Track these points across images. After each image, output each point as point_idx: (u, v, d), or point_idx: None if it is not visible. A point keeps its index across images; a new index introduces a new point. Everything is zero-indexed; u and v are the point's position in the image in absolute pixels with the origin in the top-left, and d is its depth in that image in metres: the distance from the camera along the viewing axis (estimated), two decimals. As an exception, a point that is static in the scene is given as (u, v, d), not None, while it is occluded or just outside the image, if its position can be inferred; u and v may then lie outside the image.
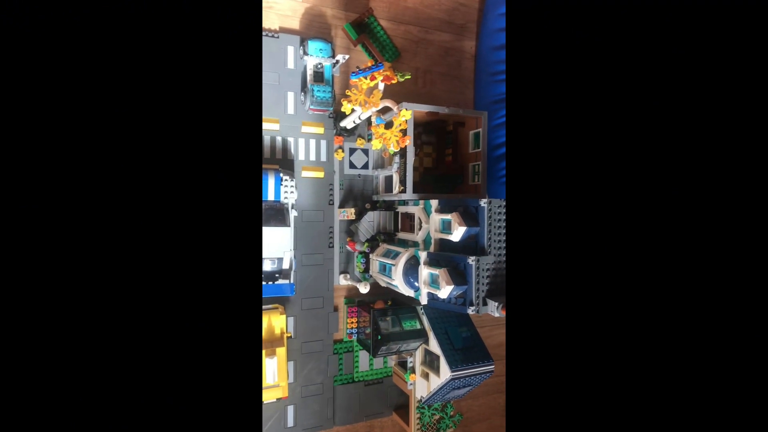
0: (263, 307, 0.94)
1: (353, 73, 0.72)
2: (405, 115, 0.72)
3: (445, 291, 0.74)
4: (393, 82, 0.74)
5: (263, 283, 0.88)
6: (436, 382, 0.89)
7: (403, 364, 1.05)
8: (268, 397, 0.90)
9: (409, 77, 0.77)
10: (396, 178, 0.96)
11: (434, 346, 0.90)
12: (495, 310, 0.72)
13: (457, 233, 0.75)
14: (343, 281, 1.03)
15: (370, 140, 1.04)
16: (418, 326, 0.94)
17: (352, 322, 1.04)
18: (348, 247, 1.03)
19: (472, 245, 0.78)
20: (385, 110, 0.86)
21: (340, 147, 1.03)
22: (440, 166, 1.10)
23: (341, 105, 0.84)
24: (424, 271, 0.81)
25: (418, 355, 0.97)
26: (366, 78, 0.72)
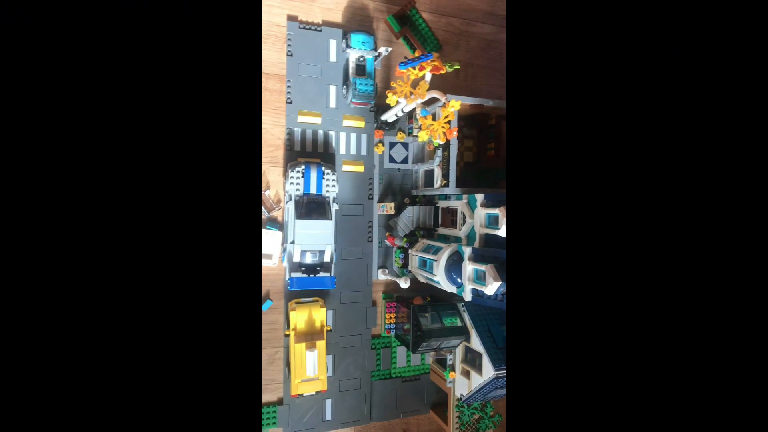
0: (304, 300, 0.94)
1: (401, 63, 0.71)
2: (454, 105, 0.71)
3: (492, 287, 0.72)
4: (442, 72, 0.72)
5: (306, 275, 0.88)
6: (478, 380, 0.87)
7: (441, 362, 1.03)
8: (307, 389, 0.90)
9: (458, 67, 0.76)
10: (438, 172, 0.94)
11: (476, 344, 0.88)
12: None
13: (505, 228, 0.73)
14: (381, 276, 1.02)
15: (410, 134, 1.02)
16: (459, 323, 0.92)
17: (390, 318, 1.03)
18: (387, 242, 1.02)
19: (519, 241, 0.75)
20: (430, 102, 0.84)
21: (381, 141, 1.02)
22: (482, 161, 1.07)
23: (383, 98, 0.83)
24: (469, 267, 0.79)
25: (459, 352, 0.95)
26: (414, 68, 0.70)
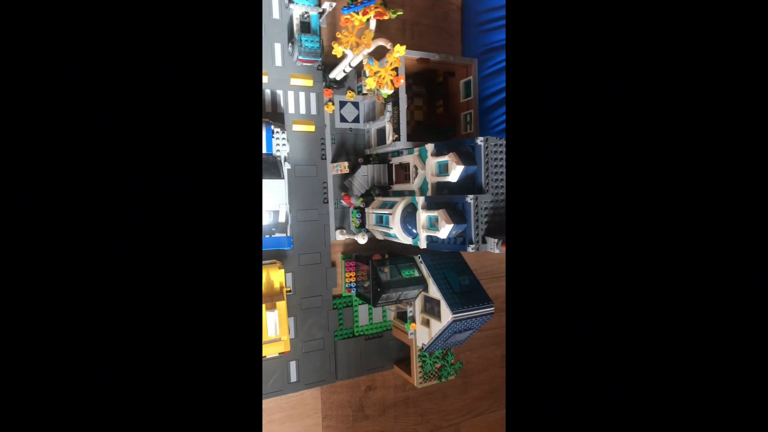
0: (263, 262, 0.93)
1: (344, 8, 0.70)
2: (399, 50, 0.71)
3: (444, 231, 0.74)
4: (385, 17, 0.72)
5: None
6: (438, 326, 0.90)
7: (402, 316, 1.06)
8: (270, 351, 0.90)
9: (401, 13, 0.76)
10: (389, 128, 0.95)
11: (434, 291, 0.91)
12: (495, 246, 0.73)
13: (455, 173, 0.75)
14: (339, 236, 1.03)
15: (360, 92, 1.02)
16: (417, 274, 0.95)
17: (350, 277, 1.04)
18: (343, 202, 1.02)
19: (469, 185, 0.78)
20: (377, 57, 0.84)
21: (330, 100, 1.01)
22: (432, 119, 1.09)
23: (330, 57, 0.82)
24: (423, 215, 0.81)
25: (418, 303, 0.98)
26: (358, 13, 0.70)
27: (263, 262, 0.93)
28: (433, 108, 1.10)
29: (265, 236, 0.88)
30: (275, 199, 0.87)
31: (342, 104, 1.03)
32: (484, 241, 0.75)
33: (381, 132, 1.01)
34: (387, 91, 0.76)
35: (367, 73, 0.76)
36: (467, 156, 0.77)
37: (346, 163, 1.00)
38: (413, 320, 0.99)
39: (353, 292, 1.05)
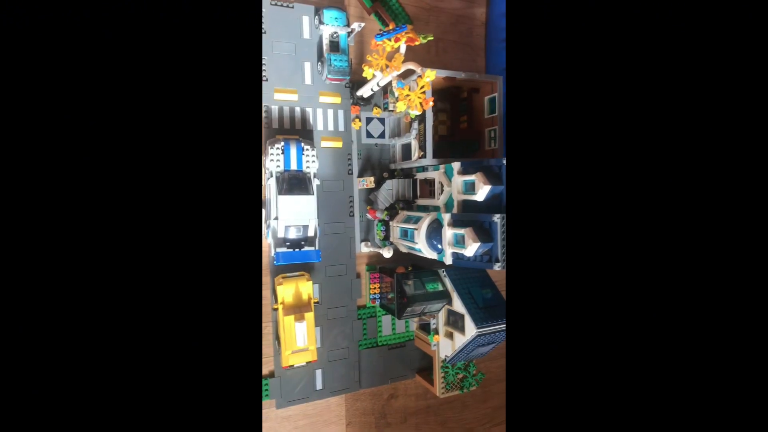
0: (291, 274, 0.96)
1: (377, 35, 0.73)
2: (429, 75, 0.74)
3: (471, 249, 0.76)
4: (416, 43, 0.75)
5: (291, 250, 0.90)
6: (461, 340, 0.92)
7: (425, 327, 1.08)
8: (298, 360, 0.93)
9: (432, 38, 0.78)
10: (414, 145, 0.97)
11: (458, 305, 0.93)
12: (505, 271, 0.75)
13: (482, 192, 0.77)
14: (364, 249, 1.05)
15: (386, 109, 1.05)
16: (441, 288, 0.97)
17: (374, 288, 1.07)
18: (368, 215, 1.05)
19: (495, 204, 0.80)
20: (405, 75, 0.87)
21: (357, 116, 1.04)
22: (455, 134, 1.11)
23: (358, 74, 0.85)
24: (449, 232, 0.83)
25: (441, 316, 1.00)
26: (390, 40, 0.72)
27: (292, 274, 0.96)
28: (457, 123, 1.12)
29: (295, 249, 0.91)
30: (305, 214, 0.90)
31: (368, 120, 1.05)
32: (510, 260, 0.77)
33: (406, 147, 1.04)
34: (416, 112, 0.79)
35: (397, 95, 0.79)
36: (494, 176, 0.79)
37: (372, 178, 1.03)
38: (436, 332, 1.01)
39: (377, 303, 1.07)
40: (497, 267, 0.76)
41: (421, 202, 1.01)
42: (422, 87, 0.75)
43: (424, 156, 0.94)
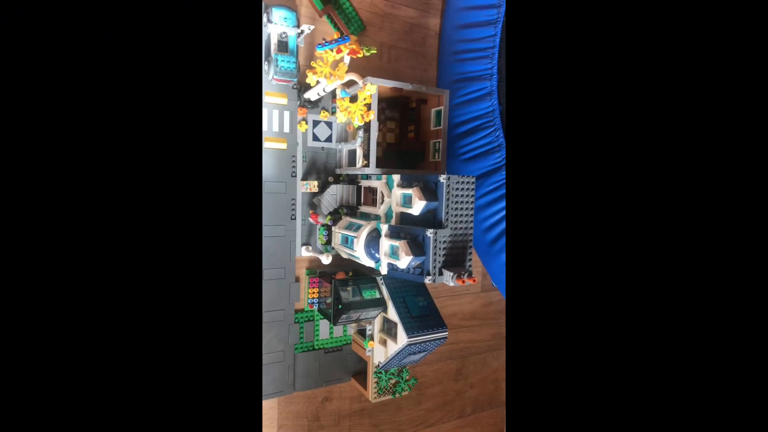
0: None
1: (319, 44, 0.72)
2: (370, 90, 0.74)
3: (404, 261, 0.78)
4: (359, 55, 0.75)
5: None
6: (394, 347, 0.94)
7: (362, 332, 1.09)
8: (229, 364, 0.92)
9: (375, 52, 0.78)
10: (359, 153, 0.97)
11: (392, 314, 0.95)
12: (450, 279, 0.77)
13: (417, 207, 0.79)
14: (305, 253, 1.05)
15: (334, 113, 1.04)
16: (378, 296, 0.98)
17: (313, 292, 1.07)
18: (311, 220, 1.04)
19: (430, 219, 0.82)
20: (351, 83, 0.87)
21: (304, 119, 1.02)
22: (403, 142, 1.12)
23: (306, 76, 0.84)
24: (385, 243, 0.84)
25: (377, 323, 1.01)
26: (332, 50, 0.72)
27: (227, 276, 0.95)
28: (405, 131, 1.13)
29: (230, 252, 0.89)
30: (242, 216, 0.88)
31: (315, 123, 1.04)
32: (441, 273, 0.79)
33: (352, 153, 1.04)
34: (357, 123, 0.79)
35: (338, 108, 0.79)
36: (430, 191, 0.80)
37: (315, 182, 1.02)
38: (371, 338, 1.03)
39: (315, 307, 1.07)
40: (428, 280, 0.78)
41: (363, 209, 1.02)
42: (363, 100, 0.75)
43: (367, 165, 0.94)
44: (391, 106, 1.11)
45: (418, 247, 0.79)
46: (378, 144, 1.07)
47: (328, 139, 1.07)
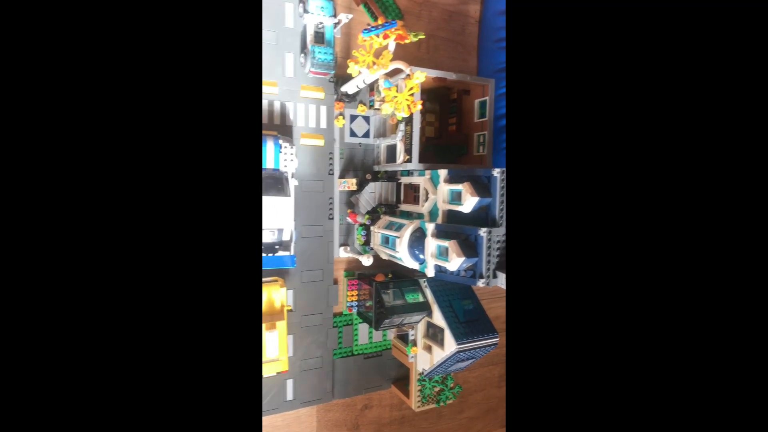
0: (264, 279, 0.90)
1: (364, 30, 0.67)
2: (419, 77, 0.68)
3: (455, 263, 0.72)
4: (406, 41, 0.69)
5: (264, 254, 0.84)
6: (440, 354, 0.89)
7: (402, 337, 1.04)
8: (268, 371, 0.87)
9: (423, 37, 0.73)
10: (400, 147, 0.92)
11: (438, 318, 0.89)
12: (505, 282, 0.71)
13: (469, 204, 0.73)
14: (343, 253, 1.00)
15: (372, 107, 0.99)
16: (421, 299, 0.93)
17: (352, 295, 1.02)
18: (348, 219, 0.99)
19: (482, 216, 0.75)
20: (391, 74, 0.81)
21: (341, 113, 0.98)
22: (443, 136, 1.06)
23: (343, 68, 0.79)
24: (432, 243, 0.78)
25: (420, 327, 0.96)
26: (378, 36, 0.67)
27: (265, 279, 0.91)
28: (446, 125, 1.07)
29: (268, 254, 0.85)
30: (280, 217, 0.84)
31: (353, 118, 1.00)
32: (495, 276, 0.73)
33: (391, 149, 0.99)
34: (403, 114, 0.73)
35: (383, 95, 0.73)
36: (482, 187, 0.74)
37: (354, 180, 0.98)
38: (414, 344, 0.97)
39: (354, 311, 1.02)
40: (481, 283, 0.72)
41: (404, 207, 0.96)
42: (410, 89, 0.70)
43: (409, 160, 0.89)
44: (430, 98, 1.05)
45: (469, 247, 0.73)
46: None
47: (366, 135, 1.02)
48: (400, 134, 0.90)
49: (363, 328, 1.05)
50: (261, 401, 0.94)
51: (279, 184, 0.85)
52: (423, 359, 0.95)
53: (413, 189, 0.95)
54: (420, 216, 0.89)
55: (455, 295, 0.93)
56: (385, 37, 0.67)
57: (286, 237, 0.86)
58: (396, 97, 0.71)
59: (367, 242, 0.98)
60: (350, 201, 1.00)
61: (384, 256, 0.96)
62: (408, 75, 0.70)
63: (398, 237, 0.85)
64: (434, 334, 0.92)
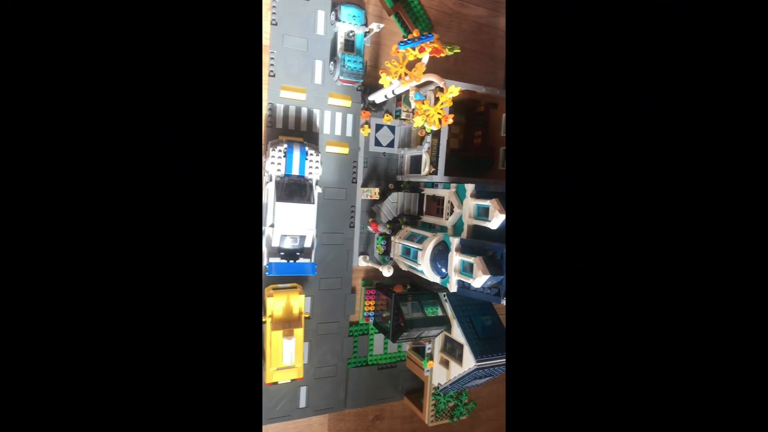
0: (282, 286, 0.90)
1: (401, 42, 0.66)
2: (452, 91, 0.68)
3: (479, 280, 0.71)
4: (442, 55, 0.69)
5: (285, 261, 0.84)
6: (458, 370, 0.87)
7: (418, 350, 1.03)
8: (283, 377, 0.87)
9: (459, 51, 0.72)
10: (426, 159, 0.91)
11: (457, 334, 0.88)
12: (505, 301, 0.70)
13: (497, 220, 0.71)
14: (362, 262, 0.99)
15: (398, 117, 0.99)
16: (440, 313, 0.91)
17: (369, 305, 1.01)
18: (370, 228, 0.99)
19: (509, 234, 0.74)
20: (424, 85, 0.81)
21: (367, 122, 0.97)
22: (468, 149, 1.05)
23: (371, 77, 0.79)
24: (456, 258, 0.77)
25: (438, 342, 0.95)
26: (414, 49, 0.66)
27: (284, 286, 0.90)
28: (471, 137, 1.06)
29: (290, 261, 0.85)
30: (303, 223, 0.84)
31: (378, 127, 0.99)
32: (520, 295, 0.72)
33: (416, 160, 0.98)
34: (433, 128, 0.73)
35: (414, 107, 0.73)
36: (510, 204, 0.73)
37: (376, 189, 0.97)
38: (431, 357, 0.96)
39: (371, 321, 1.02)
40: (505, 302, 0.71)
41: (426, 219, 0.95)
42: (443, 102, 0.69)
43: (435, 172, 0.88)
44: (456, 110, 1.04)
45: (494, 264, 0.72)
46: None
47: (390, 144, 1.01)
48: (426, 146, 0.89)
49: (379, 339, 1.05)
50: (261, 409, 0.94)
51: (303, 191, 0.85)
52: (439, 373, 0.94)
53: (436, 201, 0.94)
54: (443, 229, 0.88)
55: (475, 309, 0.92)
56: (421, 50, 0.66)
57: (307, 244, 0.86)
58: (428, 110, 0.70)
59: (386, 252, 0.97)
60: (372, 210, 1.00)
61: (404, 267, 0.95)
62: (440, 88, 0.70)
63: (421, 249, 0.84)
64: (452, 349, 0.91)
